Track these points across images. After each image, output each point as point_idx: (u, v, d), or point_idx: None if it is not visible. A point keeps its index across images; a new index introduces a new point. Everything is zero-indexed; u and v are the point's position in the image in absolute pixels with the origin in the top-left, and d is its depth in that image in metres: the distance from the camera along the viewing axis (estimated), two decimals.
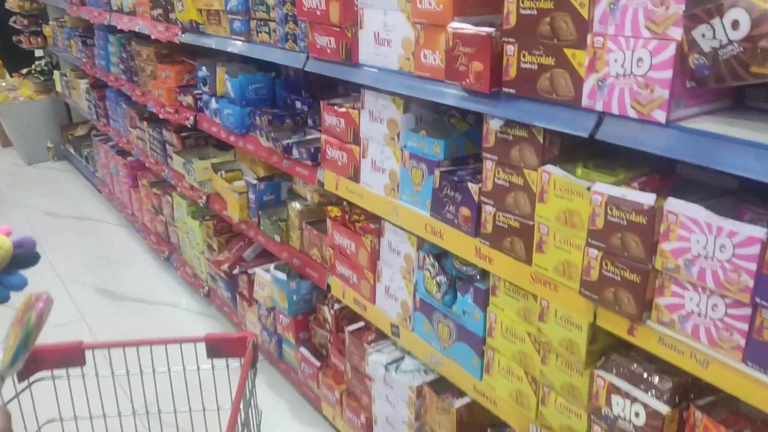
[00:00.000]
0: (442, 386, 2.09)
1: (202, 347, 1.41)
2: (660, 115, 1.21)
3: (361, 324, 2.50)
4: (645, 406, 1.37)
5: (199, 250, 3.73)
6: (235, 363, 1.40)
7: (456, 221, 1.80)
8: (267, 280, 2.95)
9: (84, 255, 4.60)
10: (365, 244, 2.24)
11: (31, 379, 1.36)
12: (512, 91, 1.50)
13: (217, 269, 3.45)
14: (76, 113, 6.44)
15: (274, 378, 3.14)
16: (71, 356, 1.37)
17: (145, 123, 4.16)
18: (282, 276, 2.82)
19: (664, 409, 1.34)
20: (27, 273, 1.18)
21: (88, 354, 1.39)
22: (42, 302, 1.20)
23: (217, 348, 1.40)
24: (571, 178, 1.44)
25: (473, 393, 1.90)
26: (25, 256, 1.19)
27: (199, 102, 3.35)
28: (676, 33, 1.16)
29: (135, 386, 1.39)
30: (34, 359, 1.31)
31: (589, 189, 1.39)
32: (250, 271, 3.22)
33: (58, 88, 6.23)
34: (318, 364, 2.74)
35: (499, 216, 1.65)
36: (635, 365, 1.44)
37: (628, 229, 1.31)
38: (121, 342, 1.39)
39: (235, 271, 3.34)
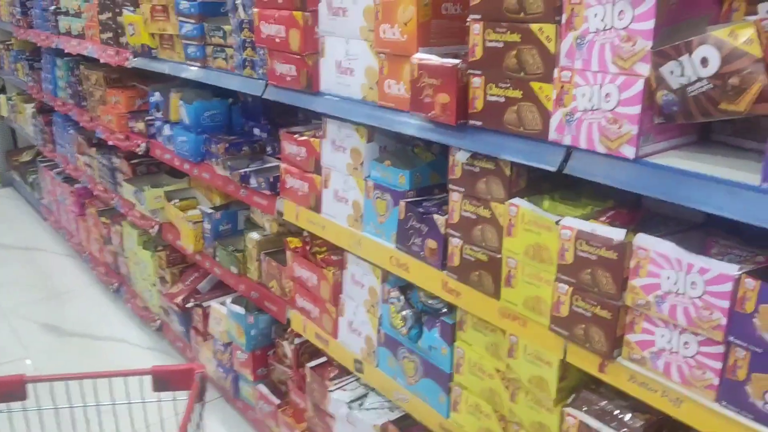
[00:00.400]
0: (407, 423, 2.03)
1: (148, 381, 1.38)
2: (629, 151, 1.20)
3: (323, 359, 2.42)
4: None
5: (150, 282, 3.59)
6: (183, 395, 1.37)
7: (422, 253, 1.76)
8: (223, 314, 2.85)
9: (29, 287, 4.39)
10: (327, 276, 2.18)
11: None
12: (479, 123, 1.48)
13: (170, 302, 3.32)
14: (22, 138, 6.20)
15: (230, 417, 3.02)
16: (12, 390, 1.35)
17: (93, 149, 4.02)
18: (239, 310, 2.72)
19: None
20: None
21: (30, 388, 1.36)
22: None
23: (164, 381, 1.38)
24: (539, 212, 1.42)
25: (440, 431, 1.84)
26: None
27: (151, 128, 3.25)
28: (644, 69, 1.16)
29: (78, 421, 1.37)
30: None
31: (557, 223, 1.37)
32: (205, 304, 3.10)
33: (3, 112, 6.00)
34: (277, 401, 2.64)
35: (466, 249, 1.62)
36: (605, 402, 1.41)
37: (598, 265, 1.29)
38: (65, 375, 1.36)
39: (189, 305, 3.22)
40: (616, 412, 1.38)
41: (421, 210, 1.77)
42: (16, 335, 3.78)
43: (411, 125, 1.67)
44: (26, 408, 1.38)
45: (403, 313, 1.89)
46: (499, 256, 1.53)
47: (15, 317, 3.98)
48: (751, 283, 1.08)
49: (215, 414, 3.05)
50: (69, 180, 4.68)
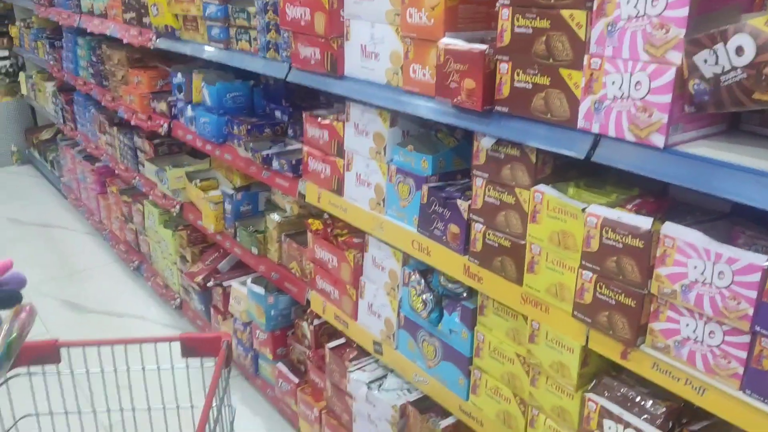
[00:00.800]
0: (426, 405, 2.05)
1: (176, 347, 1.43)
2: (658, 140, 1.19)
3: (341, 341, 2.45)
4: (638, 431, 1.35)
5: (171, 260, 3.63)
6: (209, 363, 1.41)
7: (444, 238, 1.78)
8: (243, 294, 2.88)
9: (49, 265, 4.46)
10: (348, 259, 2.20)
11: (8, 375, 1.37)
12: (505, 109, 1.48)
13: (190, 281, 3.36)
14: (42, 116, 6.26)
15: (249, 395, 3.06)
16: (47, 354, 1.40)
17: (115, 129, 4.05)
18: (260, 290, 2.75)
19: None
20: None
21: (63, 353, 1.41)
22: (25, 313, 1.20)
23: (191, 347, 1.42)
24: (565, 199, 1.42)
25: (459, 413, 1.87)
26: (4, 295, 1.16)
27: (173, 109, 3.27)
28: (676, 57, 1.15)
29: (110, 384, 1.43)
30: None
31: (583, 211, 1.37)
32: (225, 284, 3.14)
33: (24, 90, 6.05)
34: (296, 380, 2.68)
35: (489, 234, 1.63)
36: (626, 389, 1.42)
37: (623, 253, 1.30)
38: (96, 341, 1.41)
39: (210, 284, 3.26)
40: (638, 398, 1.39)
41: (444, 195, 1.77)
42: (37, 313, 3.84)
43: (436, 111, 1.67)
44: (60, 371, 1.43)
45: (424, 296, 1.91)
46: (522, 242, 1.54)
47: (36, 294, 4.04)
48: None
49: (235, 392, 3.09)
50: (90, 159, 4.73)
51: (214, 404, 1.24)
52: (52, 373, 1.43)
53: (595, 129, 1.30)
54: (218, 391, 1.28)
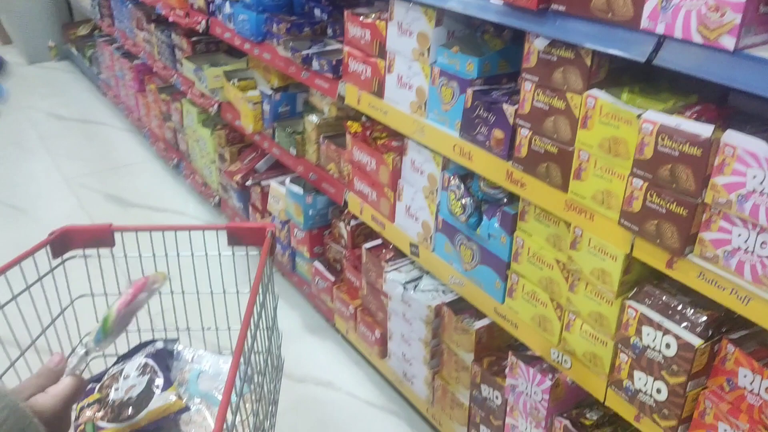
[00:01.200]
0: (460, 307, 2.10)
1: (223, 237, 1.47)
2: (728, 42, 1.13)
3: (378, 242, 2.48)
4: (677, 337, 1.37)
5: (210, 159, 3.67)
6: (253, 252, 1.45)
7: (487, 143, 1.75)
8: (282, 193, 2.92)
9: (90, 159, 4.55)
10: (387, 162, 2.19)
11: (65, 256, 1.43)
12: (562, 8, 1.41)
13: (229, 180, 3.41)
14: (78, 11, 6.19)
15: (286, 290, 3.17)
16: (101, 237, 1.45)
17: (152, 25, 3.99)
18: (298, 190, 2.78)
19: (696, 341, 1.34)
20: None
21: (117, 238, 1.45)
22: (156, 283, 1.25)
23: (237, 236, 1.46)
24: (620, 105, 1.37)
25: (494, 315, 1.91)
26: None
27: (211, 5, 3.19)
28: None
29: (160, 269, 1.48)
30: (67, 238, 1.41)
31: (639, 117, 1.32)
32: (263, 183, 3.18)
33: None
34: (332, 278, 2.75)
35: (535, 140, 1.59)
36: (668, 297, 1.43)
37: (679, 161, 1.26)
38: (149, 226, 1.46)
39: (248, 183, 3.30)
40: (679, 306, 1.39)
41: (489, 99, 1.73)
42: (80, 204, 3.96)
43: (488, 9, 1.59)
44: (114, 255, 1.48)
45: (463, 201, 1.90)
46: (570, 148, 1.51)
47: (78, 187, 4.16)
48: None
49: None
50: (128, 55, 4.70)
51: (259, 290, 1.28)
52: (107, 257, 1.48)
53: (660, 30, 1.23)
54: (263, 277, 1.32)
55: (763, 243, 1.18)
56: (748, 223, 1.20)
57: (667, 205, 1.30)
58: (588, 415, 1.76)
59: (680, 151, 1.25)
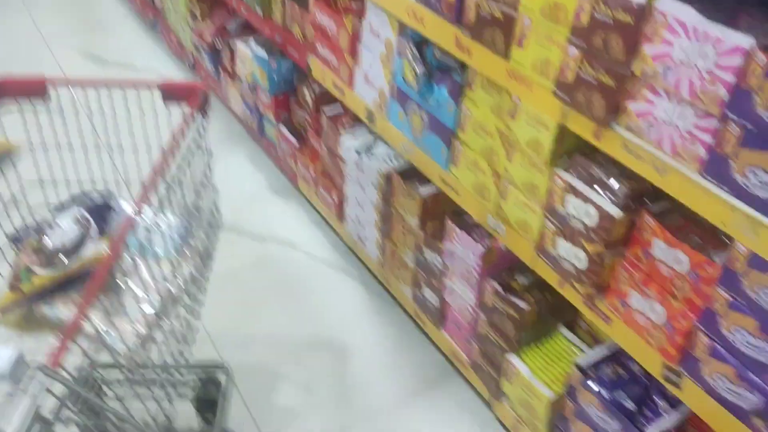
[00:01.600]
0: (409, 174, 2.12)
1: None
2: None
3: (340, 111, 2.46)
4: (598, 207, 1.40)
5: (182, 16, 3.54)
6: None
7: (439, 6, 1.68)
8: (248, 55, 2.85)
9: (68, 17, 4.40)
10: (346, 24, 2.12)
11: None
12: None
13: (200, 41, 3.30)
14: None
15: (255, 153, 3.19)
16: (35, 89, 1.42)
17: None
18: (263, 54, 2.71)
19: (616, 212, 1.38)
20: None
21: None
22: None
23: (170, 93, 1.45)
24: None
25: (439, 182, 1.94)
26: None
27: None
28: None
29: (98, 126, 1.50)
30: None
31: None
32: (232, 43, 3.09)
33: None
34: (296, 142, 2.75)
35: (482, 4, 1.53)
36: (596, 168, 1.44)
37: (612, 29, 1.22)
38: (82, 80, 1.43)
39: (218, 45, 3.20)
40: (604, 177, 1.41)
41: None
42: (57, 62, 3.87)
43: None
44: (50, 109, 1.46)
45: (417, 67, 1.86)
46: (515, 14, 1.45)
47: (56, 45, 4.04)
48: (762, 58, 1.03)
49: (242, 150, 3.23)
50: None
51: (181, 145, 1.28)
52: (42, 112, 1.45)
53: None
54: (188, 131, 1.32)
55: (682, 115, 1.18)
56: (671, 94, 1.19)
57: (598, 76, 1.28)
58: (519, 280, 1.84)
59: (614, 19, 1.21)
